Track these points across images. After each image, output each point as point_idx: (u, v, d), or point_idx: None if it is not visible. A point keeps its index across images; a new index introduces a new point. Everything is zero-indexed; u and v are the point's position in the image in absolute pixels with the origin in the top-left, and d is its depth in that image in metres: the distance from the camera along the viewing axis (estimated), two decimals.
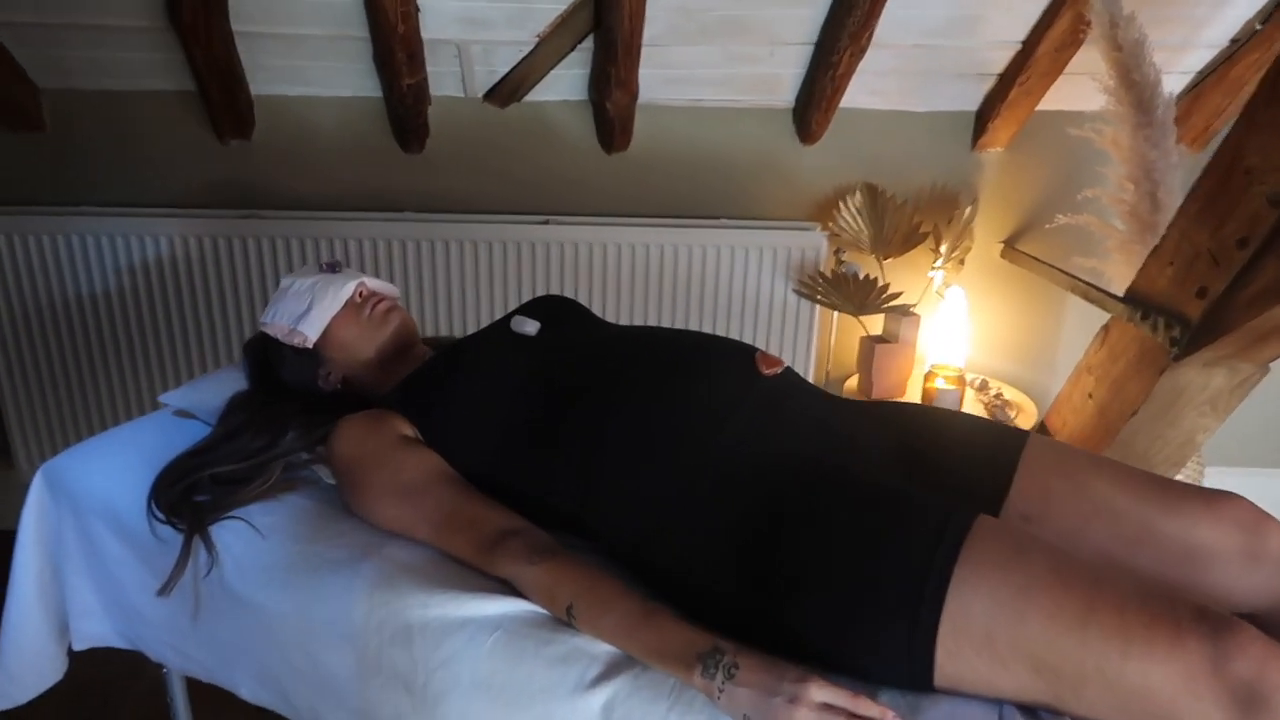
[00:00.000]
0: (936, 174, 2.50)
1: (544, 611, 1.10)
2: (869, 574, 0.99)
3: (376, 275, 2.39)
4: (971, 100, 2.42)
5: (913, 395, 2.43)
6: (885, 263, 2.42)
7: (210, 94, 2.28)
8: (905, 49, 2.23)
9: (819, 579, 1.01)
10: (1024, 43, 2.23)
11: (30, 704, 1.48)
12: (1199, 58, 2.32)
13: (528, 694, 1.05)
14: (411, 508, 1.23)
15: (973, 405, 2.39)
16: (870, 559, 1.00)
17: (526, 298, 2.41)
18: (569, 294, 2.40)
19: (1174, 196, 1.98)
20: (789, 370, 1.31)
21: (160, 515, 1.32)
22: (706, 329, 2.47)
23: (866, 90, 2.34)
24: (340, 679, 1.20)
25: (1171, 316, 1.74)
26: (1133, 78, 1.95)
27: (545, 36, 2.20)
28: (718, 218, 2.48)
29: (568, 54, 2.24)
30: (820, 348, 2.57)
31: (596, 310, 2.41)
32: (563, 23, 2.15)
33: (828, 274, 2.36)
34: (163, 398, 1.60)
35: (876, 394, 2.40)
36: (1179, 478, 2.22)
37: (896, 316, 2.40)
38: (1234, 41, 2.26)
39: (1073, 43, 2.17)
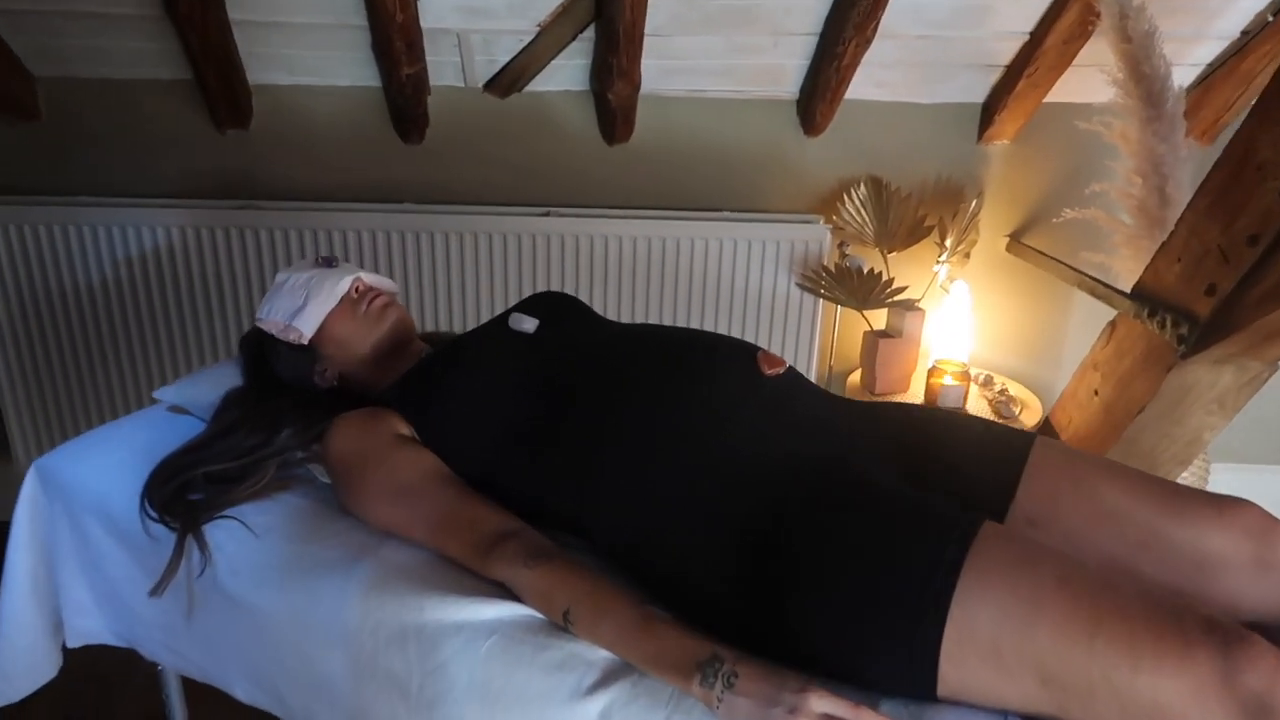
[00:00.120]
0: (942, 167, 2.47)
1: (541, 616, 1.08)
2: (872, 580, 0.97)
3: (375, 267, 2.38)
4: (978, 92, 2.39)
5: (916, 391, 2.41)
6: (889, 256, 2.40)
7: (207, 83, 2.25)
8: (911, 40, 2.20)
9: (821, 585, 0.99)
10: (1032, 34, 2.20)
11: (24, 701, 1.47)
12: (1209, 49, 2.29)
13: (524, 700, 1.03)
14: (407, 508, 1.22)
15: (977, 401, 2.37)
16: (873, 565, 0.98)
17: (527, 290, 2.41)
18: (570, 286, 2.40)
19: (1183, 191, 1.97)
20: (791, 370, 1.28)
21: (153, 514, 1.30)
22: (708, 322, 2.45)
23: (872, 81, 2.31)
24: (335, 682, 1.18)
25: (1179, 314, 1.72)
26: (1142, 70, 1.93)
27: (546, 26, 2.17)
28: (720, 210, 2.46)
29: (569, 43, 2.21)
30: (823, 342, 2.55)
31: (598, 303, 2.41)
32: (564, 12, 2.13)
33: (831, 267, 2.34)
34: (157, 393, 1.58)
35: (880, 389, 2.38)
36: (1185, 474, 2.21)
37: (900, 311, 2.38)
38: (1245, 33, 2.23)
39: (1081, 34, 2.14)
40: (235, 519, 1.28)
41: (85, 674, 1.61)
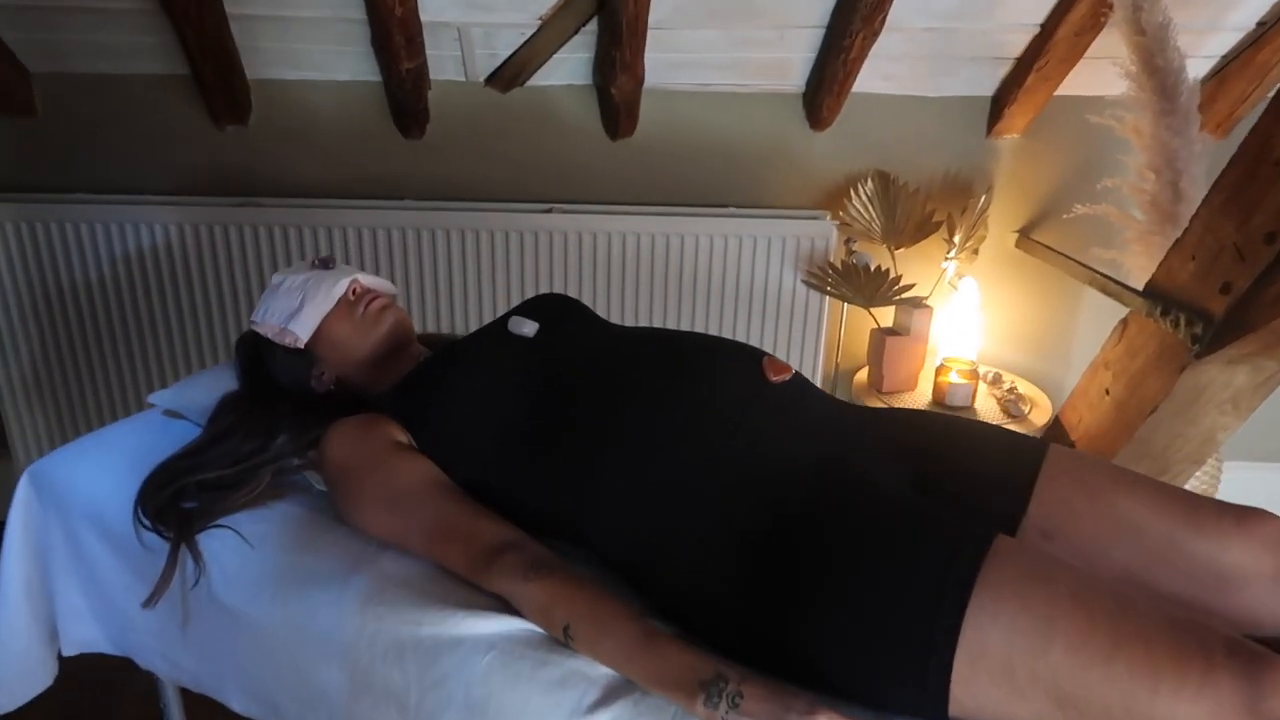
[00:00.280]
0: (950, 161, 2.44)
1: (541, 631, 1.06)
2: (881, 597, 0.94)
3: (375, 264, 2.36)
4: (987, 85, 2.36)
5: (924, 389, 2.38)
6: (897, 253, 2.37)
7: (205, 78, 2.23)
8: (919, 32, 2.17)
9: (827, 597, 0.96)
10: (1042, 26, 2.16)
11: (20, 709, 1.45)
12: (1224, 41, 2.25)
13: (523, 718, 1.00)
14: (404, 517, 1.19)
15: (985, 399, 2.34)
16: (882, 580, 0.95)
17: (529, 287, 2.38)
18: (573, 283, 2.37)
19: (1197, 186, 1.94)
20: (798, 375, 1.25)
21: (146, 522, 1.28)
22: (713, 320, 2.42)
23: (879, 75, 2.28)
24: (331, 695, 1.16)
25: (1193, 312, 1.69)
26: (1156, 63, 1.90)
27: (548, 19, 2.14)
28: (725, 206, 2.43)
29: (571, 37, 2.18)
30: (829, 340, 2.52)
31: (601, 301, 2.38)
32: (566, 5, 2.09)
33: (838, 264, 2.31)
34: (151, 397, 1.56)
35: (887, 388, 2.35)
36: (1197, 474, 2.18)
37: (908, 308, 2.35)
38: (1260, 24, 2.18)
39: (1093, 26, 2.10)
40: (230, 528, 1.25)
41: (83, 681, 1.58)
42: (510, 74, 2.29)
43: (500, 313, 2.36)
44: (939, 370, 2.29)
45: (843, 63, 2.17)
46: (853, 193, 2.36)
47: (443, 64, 2.26)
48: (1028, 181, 2.46)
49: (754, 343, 2.41)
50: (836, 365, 2.60)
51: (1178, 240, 1.75)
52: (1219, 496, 2.34)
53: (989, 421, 2.22)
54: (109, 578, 1.38)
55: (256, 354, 1.49)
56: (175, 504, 1.29)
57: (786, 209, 2.44)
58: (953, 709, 0.91)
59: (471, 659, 1.04)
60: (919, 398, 2.35)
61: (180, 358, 2.46)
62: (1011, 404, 2.29)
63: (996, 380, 2.43)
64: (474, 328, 2.39)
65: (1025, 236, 2.48)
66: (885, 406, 2.24)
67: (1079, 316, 2.55)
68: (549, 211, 2.37)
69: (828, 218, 2.40)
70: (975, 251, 2.43)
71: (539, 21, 2.15)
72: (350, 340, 1.45)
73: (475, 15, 2.11)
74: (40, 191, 2.37)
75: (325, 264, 1.51)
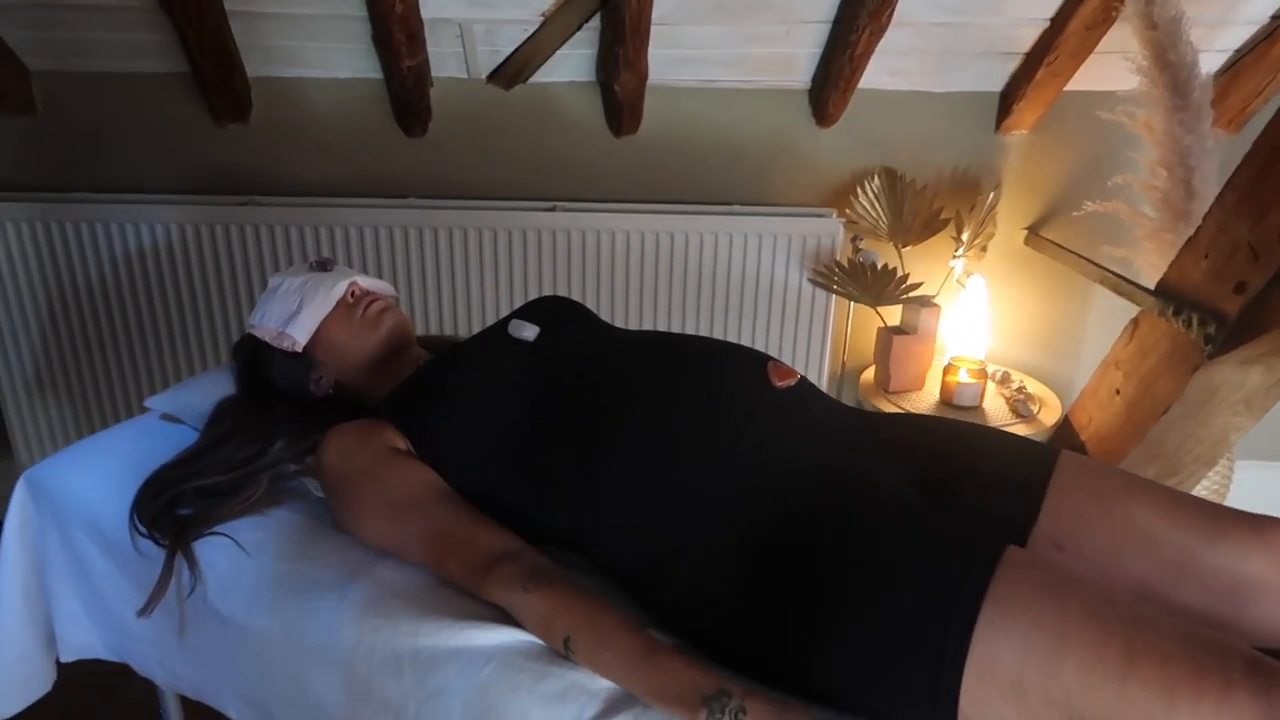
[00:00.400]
0: (958, 158, 2.41)
1: (541, 643, 1.04)
2: (888, 610, 0.92)
3: (378, 263, 2.34)
4: (996, 80, 2.32)
5: (932, 388, 2.36)
6: (904, 250, 2.34)
7: (205, 76, 2.21)
8: (927, 27, 2.14)
9: (834, 613, 0.94)
10: (1052, 20, 2.13)
11: (18, 716, 1.45)
12: (1237, 35, 2.21)
13: None
14: (402, 526, 1.17)
15: (994, 399, 2.31)
16: (889, 593, 0.93)
17: (532, 286, 2.36)
18: (576, 282, 2.35)
19: (1209, 183, 1.91)
20: (803, 380, 1.23)
21: (142, 529, 1.26)
22: (718, 319, 2.40)
23: (886, 70, 2.24)
24: (328, 705, 1.14)
25: (1206, 312, 1.67)
26: (1168, 57, 1.87)
27: (550, 15, 2.11)
28: (730, 204, 2.40)
29: (574, 33, 2.15)
30: (836, 339, 2.50)
31: (605, 299, 2.36)
32: (568, 1, 2.07)
33: (844, 262, 2.28)
34: (149, 401, 1.54)
35: (894, 387, 2.32)
36: (1209, 474, 2.15)
37: (915, 307, 2.32)
38: (1275, 18, 2.15)
39: (1104, 20, 2.07)
40: (226, 536, 1.24)
41: (82, 685, 1.57)
42: (513, 71, 2.27)
43: (503, 312, 2.35)
44: (947, 369, 2.26)
45: (849, 58, 2.14)
46: (859, 190, 2.34)
47: (444, 61, 2.24)
48: (1037, 178, 2.43)
49: (760, 341, 2.40)
50: (843, 364, 2.58)
51: (1190, 239, 1.72)
52: (1231, 496, 2.31)
53: (997, 425, 2.19)
54: (106, 584, 1.37)
55: (254, 358, 1.47)
56: (171, 511, 1.27)
57: (792, 207, 2.41)
58: None
59: (470, 671, 1.02)
60: (926, 397, 2.33)
61: (182, 356, 2.45)
62: (1020, 404, 2.26)
63: (1005, 380, 2.41)
64: (477, 327, 2.39)
65: (1034, 234, 2.45)
66: (891, 411, 2.22)
67: (1089, 315, 2.52)
68: (552, 210, 2.35)
69: (834, 215, 2.37)
70: (984, 249, 2.41)
71: (541, 18, 2.12)
72: (349, 343, 1.43)
73: (477, 11, 2.09)
74: (40, 190, 2.36)
75: (323, 266, 1.49)
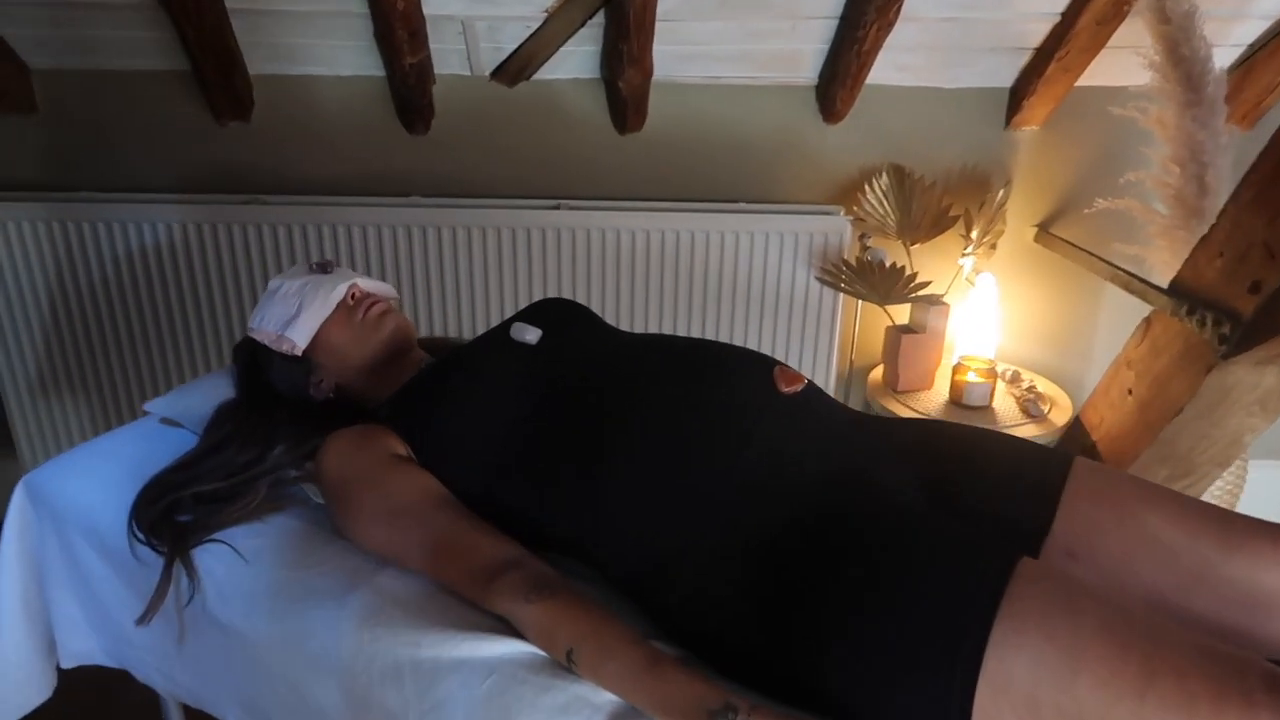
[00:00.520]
0: (967, 154, 2.38)
1: (543, 654, 1.02)
2: (898, 623, 0.90)
3: (381, 261, 2.32)
4: (1006, 76, 2.29)
5: (941, 388, 2.33)
6: (913, 248, 2.31)
7: (206, 74, 2.19)
8: (935, 22, 2.11)
9: (842, 625, 0.92)
10: (1063, 15, 2.10)
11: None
12: (1251, 29, 2.18)
13: None
14: (402, 533, 1.15)
15: (1004, 399, 2.28)
16: (899, 605, 0.91)
17: (537, 285, 2.34)
18: (581, 280, 2.33)
19: (1223, 180, 1.89)
20: (810, 385, 1.21)
21: (140, 536, 1.25)
22: (725, 318, 2.38)
23: (894, 66, 2.22)
24: (329, 713, 1.12)
25: (1221, 312, 1.64)
26: (1181, 52, 1.85)
27: (554, 11, 2.09)
28: (736, 201, 2.38)
29: (578, 29, 2.13)
30: (844, 338, 2.47)
31: (609, 299, 2.34)
32: None
33: (852, 261, 2.26)
34: (148, 405, 1.53)
35: (903, 387, 2.30)
36: (1222, 475, 2.12)
37: (924, 305, 2.29)
38: None
39: (1116, 15, 2.04)
40: (225, 543, 1.22)
41: (82, 689, 1.56)
42: (516, 68, 2.25)
43: (507, 311, 2.34)
44: (956, 369, 2.23)
45: (856, 54, 2.11)
46: (867, 187, 2.31)
47: (447, 58, 2.22)
48: (1047, 175, 2.40)
49: (767, 340, 2.38)
50: (851, 363, 2.55)
51: (1204, 237, 1.70)
52: (1244, 496, 2.29)
53: (1007, 425, 2.16)
54: (104, 591, 1.36)
55: (254, 361, 1.46)
56: (169, 518, 1.26)
57: (799, 204, 2.38)
58: None
59: (471, 683, 1.01)
60: (935, 397, 2.30)
61: (184, 355, 2.44)
62: (1030, 403, 2.23)
63: (1015, 379, 2.38)
64: (481, 325, 2.38)
65: (1045, 231, 2.42)
66: (900, 416, 2.19)
67: (1100, 314, 2.49)
68: (557, 208, 2.33)
69: (841, 213, 2.35)
70: (993, 247, 2.38)
71: (545, 14, 2.10)
72: (349, 347, 1.41)
73: (479, 8, 2.07)
74: (41, 190, 2.35)
75: (323, 268, 1.47)
